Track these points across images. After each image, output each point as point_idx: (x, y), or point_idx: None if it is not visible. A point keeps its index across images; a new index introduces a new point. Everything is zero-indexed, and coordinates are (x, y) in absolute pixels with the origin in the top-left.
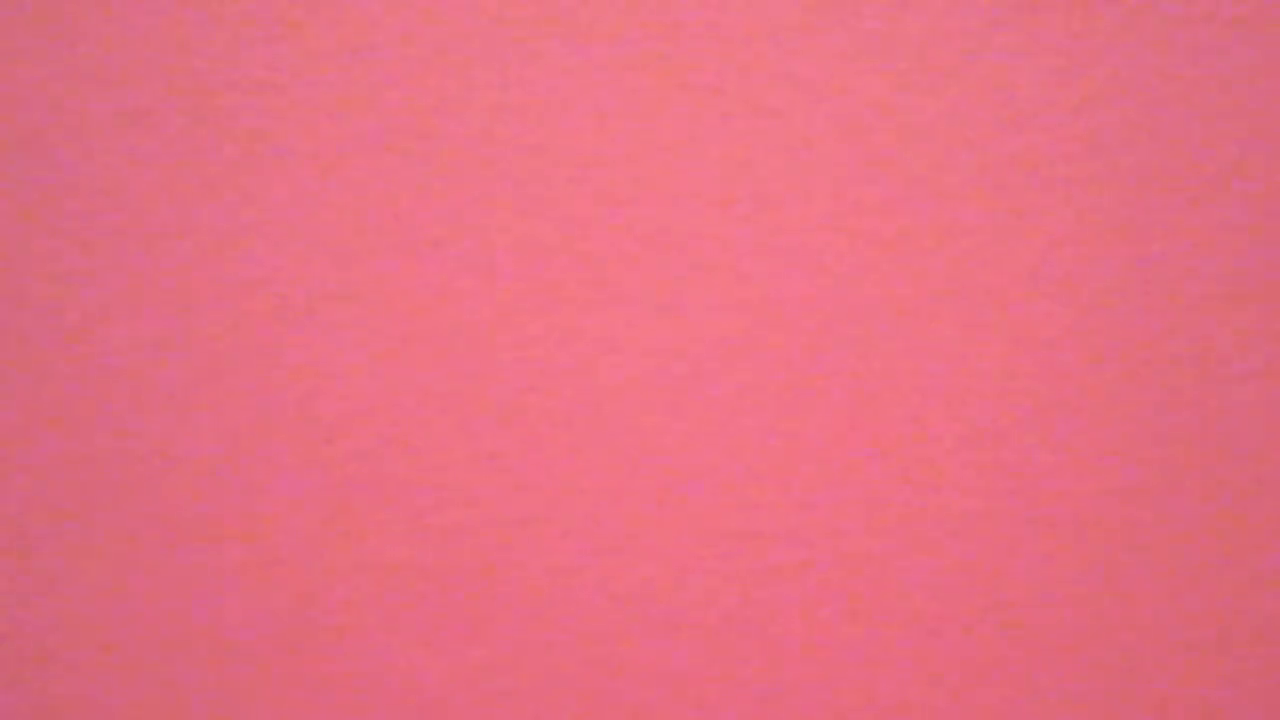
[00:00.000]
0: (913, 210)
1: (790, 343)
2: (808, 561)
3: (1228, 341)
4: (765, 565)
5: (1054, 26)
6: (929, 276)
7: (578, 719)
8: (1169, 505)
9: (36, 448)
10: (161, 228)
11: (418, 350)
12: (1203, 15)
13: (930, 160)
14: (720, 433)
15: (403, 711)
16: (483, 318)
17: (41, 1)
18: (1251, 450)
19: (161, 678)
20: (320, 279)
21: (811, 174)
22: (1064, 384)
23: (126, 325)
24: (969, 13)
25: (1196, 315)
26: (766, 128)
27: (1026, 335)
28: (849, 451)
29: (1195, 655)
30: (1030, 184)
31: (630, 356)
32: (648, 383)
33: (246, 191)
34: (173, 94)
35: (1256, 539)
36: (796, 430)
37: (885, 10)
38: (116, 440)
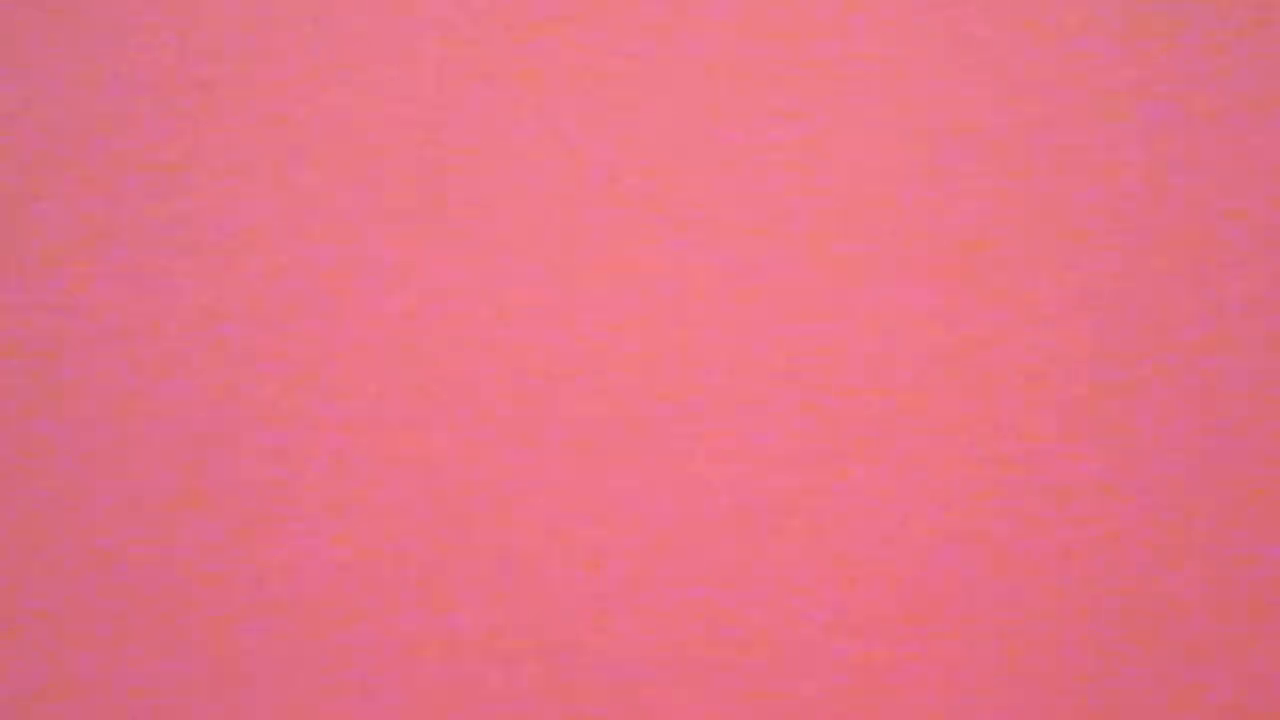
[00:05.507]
0: (917, 212)
1: (793, 342)
2: (807, 563)
3: (1235, 352)
4: (762, 564)
5: (1059, 24)
6: (933, 277)
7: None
8: (1170, 499)
9: (35, 444)
10: (162, 227)
11: (418, 349)
12: (1209, 13)
13: (938, 159)
14: (724, 433)
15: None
16: (488, 317)
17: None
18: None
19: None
20: (319, 278)
21: (815, 173)
22: (1069, 384)
23: (123, 324)
24: (974, 11)
25: (1205, 319)
26: (771, 125)
27: (1031, 334)
28: (853, 454)
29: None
30: (1037, 183)
31: (633, 358)
32: (650, 382)
33: (247, 190)
34: (175, 92)
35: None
36: (800, 429)
37: (888, 9)
38: (110, 441)
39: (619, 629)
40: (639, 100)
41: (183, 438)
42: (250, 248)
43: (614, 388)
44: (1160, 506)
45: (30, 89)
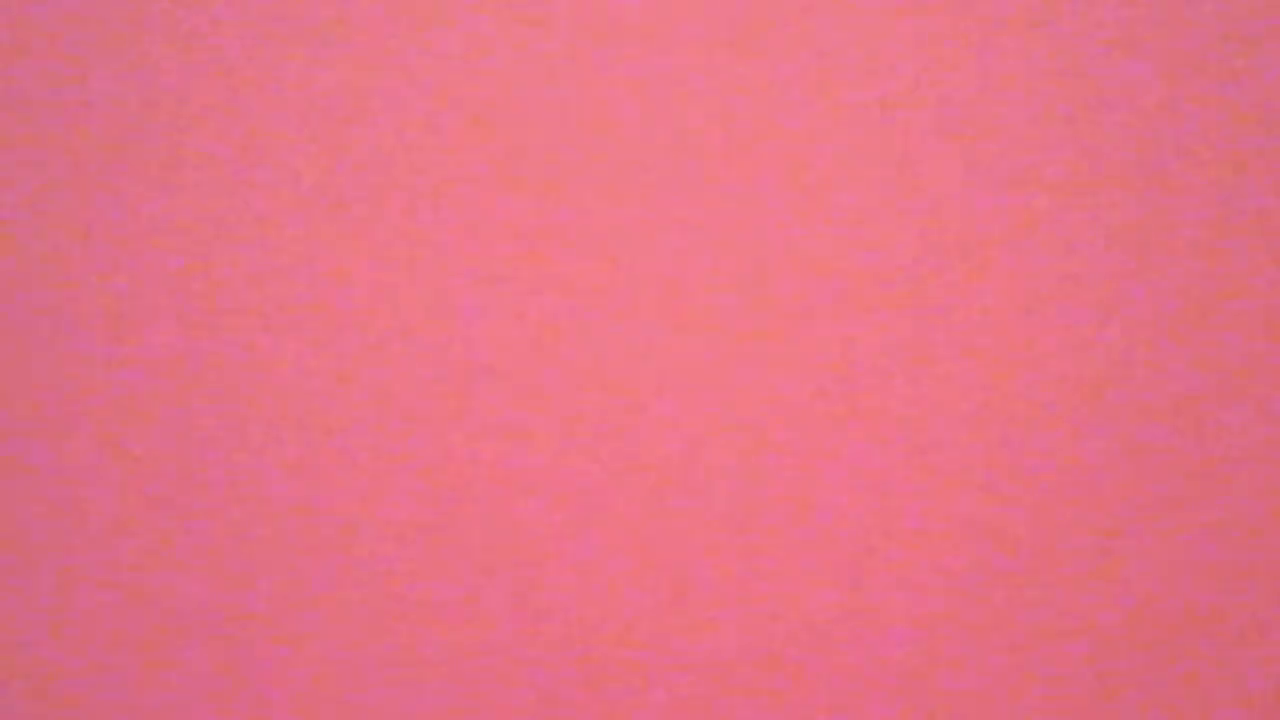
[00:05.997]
0: (919, 212)
1: (794, 342)
2: (812, 563)
3: (1235, 357)
4: (761, 567)
5: (1057, 29)
6: (935, 282)
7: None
8: (1176, 501)
9: (36, 444)
10: (166, 228)
11: (417, 351)
12: (1206, 17)
13: (937, 165)
14: (726, 433)
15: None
16: (488, 320)
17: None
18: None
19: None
20: (317, 277)
21: (815, 178)
22: (1075, 386)
23: (127, 327)
24: (973, 15)
25: (1203, 321)
26: (771, 129)
27: (1036, 334)
28: (852, 458)
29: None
30: (1037, 187)
31: (633, 357)
32: (649, 388)
33: (249, 191)
34: (178, 93)
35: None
36: (798, 433)
37: (888, 14)
38: (113, 444)
39: (616, 632)
40: (639, 100)
41: (180, 438)
42: (248, 246)
43: (614, 389)
44: (1168, 509)
45: (27, 87)
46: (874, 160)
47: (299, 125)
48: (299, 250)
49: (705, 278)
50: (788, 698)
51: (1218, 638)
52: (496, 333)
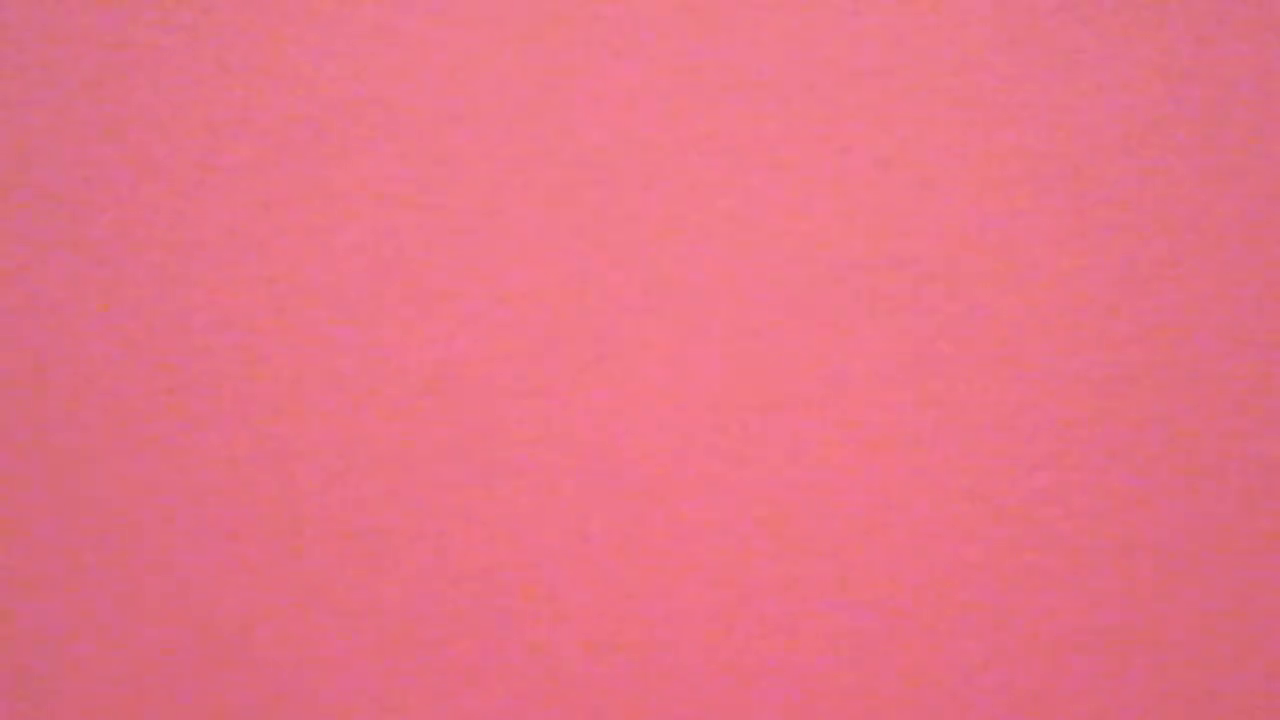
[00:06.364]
0: (926, 217)
1: (796, 345)
2: (815, 568)
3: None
4: (758, 567)
5: (1056, 33)
6: (942, 283)
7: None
8: (1176, 505)
9: (42, 445)
10: (173, 232)
11: (420, 352)
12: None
13: (937, 166)
14: (732, 435)
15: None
16: (491, 322)
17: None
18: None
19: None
20: (325, 285)
21: (828, 176)
22: (1078, 387)
23: (150, 332)
24: (972, 19)
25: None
26: (772, 131)
27: (1036, 336)
28: (852, 460)
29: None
30: (1035, 187)
31: (636, 361)
32: (657, 389)
33: (259, 195)
34: (185, 98)
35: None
36: (806, 434)
37: (887, 17)
38: (128, 452)
39: (617, 633)
40: (648, 104)
41: (181, 441)
42: (264, 248)
43: (616, 394)
44: (1166, 516)
45: (32, 91)
46: (883, 160)
47: (302, 125)
48: (301, 250)
49: (713, 278)
50: (790, 698)
51: (1226, 642)
52: (494, 331)
